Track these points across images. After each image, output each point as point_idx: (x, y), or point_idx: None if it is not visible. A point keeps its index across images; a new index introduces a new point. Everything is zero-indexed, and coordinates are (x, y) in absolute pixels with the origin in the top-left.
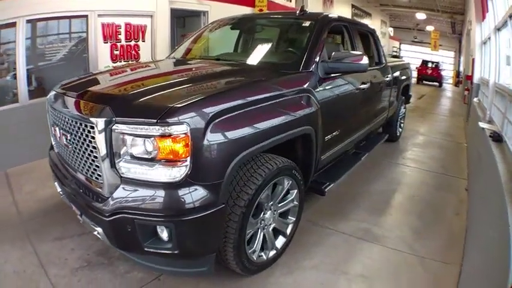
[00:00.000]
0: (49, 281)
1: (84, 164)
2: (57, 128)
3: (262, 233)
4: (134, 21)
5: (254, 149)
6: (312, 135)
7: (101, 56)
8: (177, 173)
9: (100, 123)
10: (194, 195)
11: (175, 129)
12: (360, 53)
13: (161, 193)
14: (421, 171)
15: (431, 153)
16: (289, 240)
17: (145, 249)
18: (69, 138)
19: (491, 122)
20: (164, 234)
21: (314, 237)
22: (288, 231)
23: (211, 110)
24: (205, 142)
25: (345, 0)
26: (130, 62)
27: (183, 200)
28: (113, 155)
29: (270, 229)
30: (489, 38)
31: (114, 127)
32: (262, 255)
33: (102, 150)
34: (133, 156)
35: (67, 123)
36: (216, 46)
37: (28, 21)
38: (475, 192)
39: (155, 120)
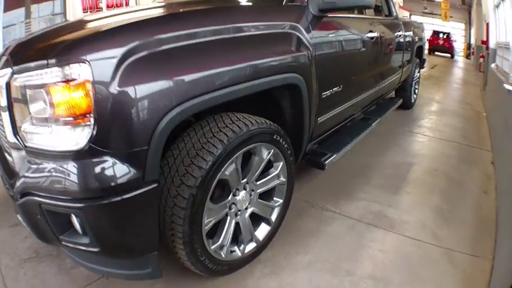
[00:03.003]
0: (0, 272)
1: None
2: None
3: (233, 221)
4: None
5: (198, 102)
6: (301, 87)
7: None
8: (78, 136)
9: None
10: (104, 169)
11: (70, 71)
12: None
13: (62, 167)
14: (440, 140)
15: (450, 121)
16: (275, 229)
17: (63, 242)
18: None
19: None
20: (78, 225)
21: (312, 223)
22: (274, 217)
23: (126, 44)
24: (116, 90)
25: None
26: None
27: (89, 176)
28: (14, 118)
29: (247, 215)
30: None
31: (12, 80)
32: (235, 251)
33: (4, 112)
34: (33, 118)
35: None
36: None
37: None
38: (503, 167)
39: (46, 62)
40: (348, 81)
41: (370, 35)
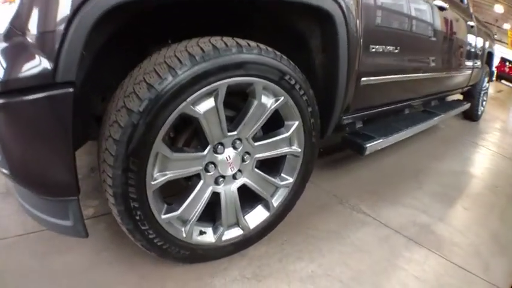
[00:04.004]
0: None
1: None
2: None
3: (209, 190)
4: None
5: None
6: (337, 21)
7: None
8: (4, 17)
9: None
10: (13, 56)
11: None
12: None
13: None
14: (503, 158)
15: None
16: (277, 218)
17: None
18: None
19: None
20: None
21: (333, 223)
22: (277, 200)
23: None
24: None
25: None
26: None
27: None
28: None
29: (234, 187)
30: None
31: None
32: (206, 233)
33: None
34: None
35: None
36: None
37: None
38: None
39: None
40: (407, 46)
41: (438, 3)
